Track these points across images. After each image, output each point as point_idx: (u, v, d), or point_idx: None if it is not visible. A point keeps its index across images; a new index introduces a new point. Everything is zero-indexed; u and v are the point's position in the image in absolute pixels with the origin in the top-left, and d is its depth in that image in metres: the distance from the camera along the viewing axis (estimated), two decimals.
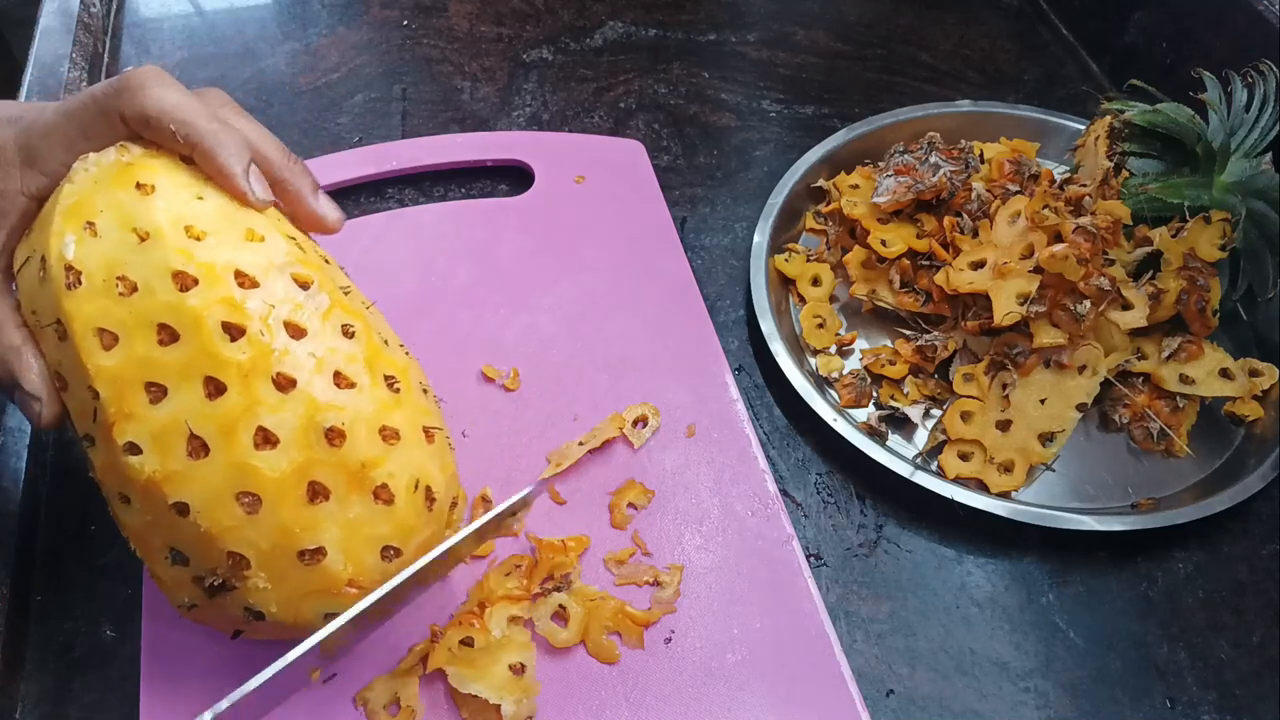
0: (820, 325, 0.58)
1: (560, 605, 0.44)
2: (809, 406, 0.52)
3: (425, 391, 0.41)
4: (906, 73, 0.77)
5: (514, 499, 0.42)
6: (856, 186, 0.62)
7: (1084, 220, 0.52)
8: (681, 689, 0.43)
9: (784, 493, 0.51)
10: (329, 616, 0.37)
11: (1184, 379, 0.53)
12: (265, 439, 0.34)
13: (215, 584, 0.36)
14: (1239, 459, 0.53)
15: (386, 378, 0.38)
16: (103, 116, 0.37)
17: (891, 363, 0.55)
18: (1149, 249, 0.54)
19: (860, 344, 0.58)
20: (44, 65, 0.68)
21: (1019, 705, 0.45)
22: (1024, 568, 0.49)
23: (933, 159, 0.59)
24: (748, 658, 0.44)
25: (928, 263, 0.57)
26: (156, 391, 0.34)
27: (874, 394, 0.55)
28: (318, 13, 0.80)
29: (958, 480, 0.51)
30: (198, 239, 0.35)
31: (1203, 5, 0.68)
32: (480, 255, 0.59)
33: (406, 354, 0.42)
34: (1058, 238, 0.52)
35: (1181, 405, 0.53)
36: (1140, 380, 0.54)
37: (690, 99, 0.73)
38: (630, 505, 0.49)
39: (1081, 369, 0.52)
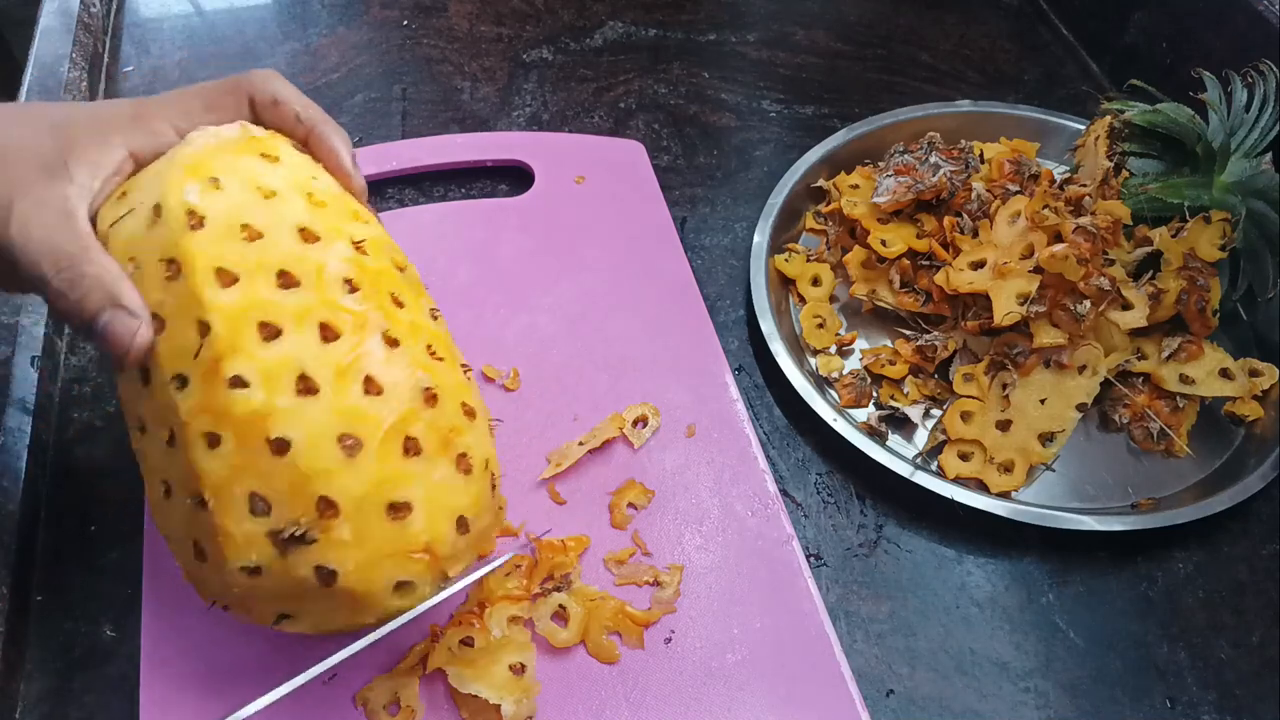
0: (820, 325, 0.58)
1: (560, 605, 0.44)
2: (809, 406, 0.52)
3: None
4: (906, 73, 0.77)
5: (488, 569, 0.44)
6: (856, 186, 0.62)
7: (1084, 220, 0.52)
8: (681, 689, 0.43)
9: (784, 493, 0.51)
10: (400, 586, 0.37)
11: (1184, 379, 0.53)
12: (373, 387, 0.35)
13: (295, 535, 0.35)
14: (1239, 459, 0.53)
15: (462, 364, 0.41)
16: (230, 94, 0.41)
17: (891, 363, 0.55)
18: (1149, 249, 0.54)
19: (860, 344, 0.58)
20: (44, 65, 0.68)
21: (1019, 705, 0.45)
22: (1024, 568, 0.49)
23: (933, 159, 0.59)
24: (748, 658, 0.44)
25: (928, 263, 0.57)
26: (270, 331, 0.35)
27: (874, 394, 0.55)
28: (318, 13, 0.80)
29: (958, 480, 0.51)
30: (319, 206, 0.37)
31: (1203, 5, 0.68)
32: (480, 255, 0.59)
33: None
34: (1058, 238, 0.52)
35: (1181, 405, 0.53)
36: (1140, 380, 0.54)
37: (690, 99, 0.73)
38: (630, 505, 0.49)
39: (1081, 369, 0.52)
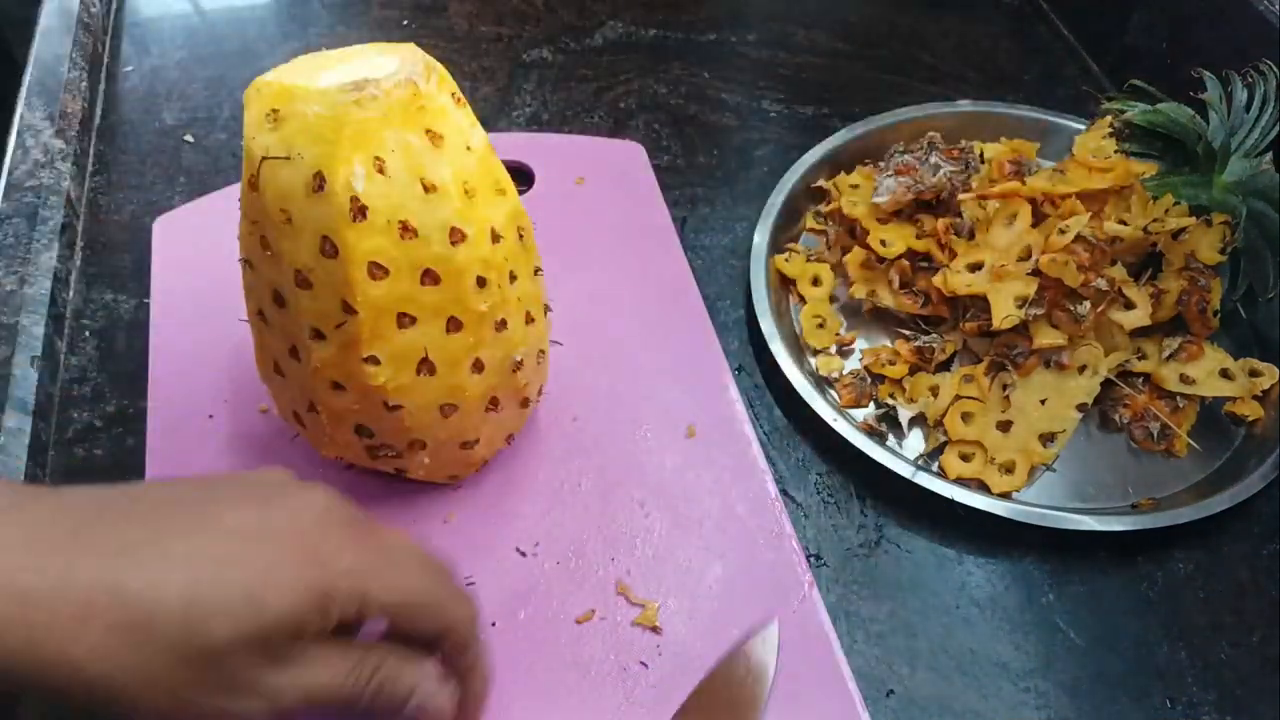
0: (820, 325, 0.58)
1: None
2: (809, 406, 0.52)
3: None
4: (906, 73, 0.77)
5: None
6: (856, 186, 0.62)
7: (1085, 231, 0.51)
8: (681, 690, 0.43)
9: (784, 493, 0.51)
10: (453, 476, 0.48)
11: (1184, 379, 0.53)
12: (477, 367, 0.41)
13: (388, 454, 0.43)
14: (1239, 459, 0.53)
15: (545, 304, 0.46)
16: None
17: (891, 363, 0.55)
18: (1149, 249, 0.54)
19: (860, 344, 0.57)
20: (44, 65, 0.68)
21: (1019, 705, 0.45)
22: (1024, 568, 0.49)
23: (933, 159, 0.59)
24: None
25: (926, 264, 0.57)
26: (407, 321, 0.38)
27: (874, 394, 0.55)
28: (318, 13, 0.80)
29: (958, 481, 0.50)
30: (468, 194, 0.38)
31: (1203, 5, 0.68)
32: None
33: None
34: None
35: (1181, 405, 0.53)
36: (1140, 380, 0.54)
37: (690, 99, 0.73)
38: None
39: (1082, 369, 0.52)
